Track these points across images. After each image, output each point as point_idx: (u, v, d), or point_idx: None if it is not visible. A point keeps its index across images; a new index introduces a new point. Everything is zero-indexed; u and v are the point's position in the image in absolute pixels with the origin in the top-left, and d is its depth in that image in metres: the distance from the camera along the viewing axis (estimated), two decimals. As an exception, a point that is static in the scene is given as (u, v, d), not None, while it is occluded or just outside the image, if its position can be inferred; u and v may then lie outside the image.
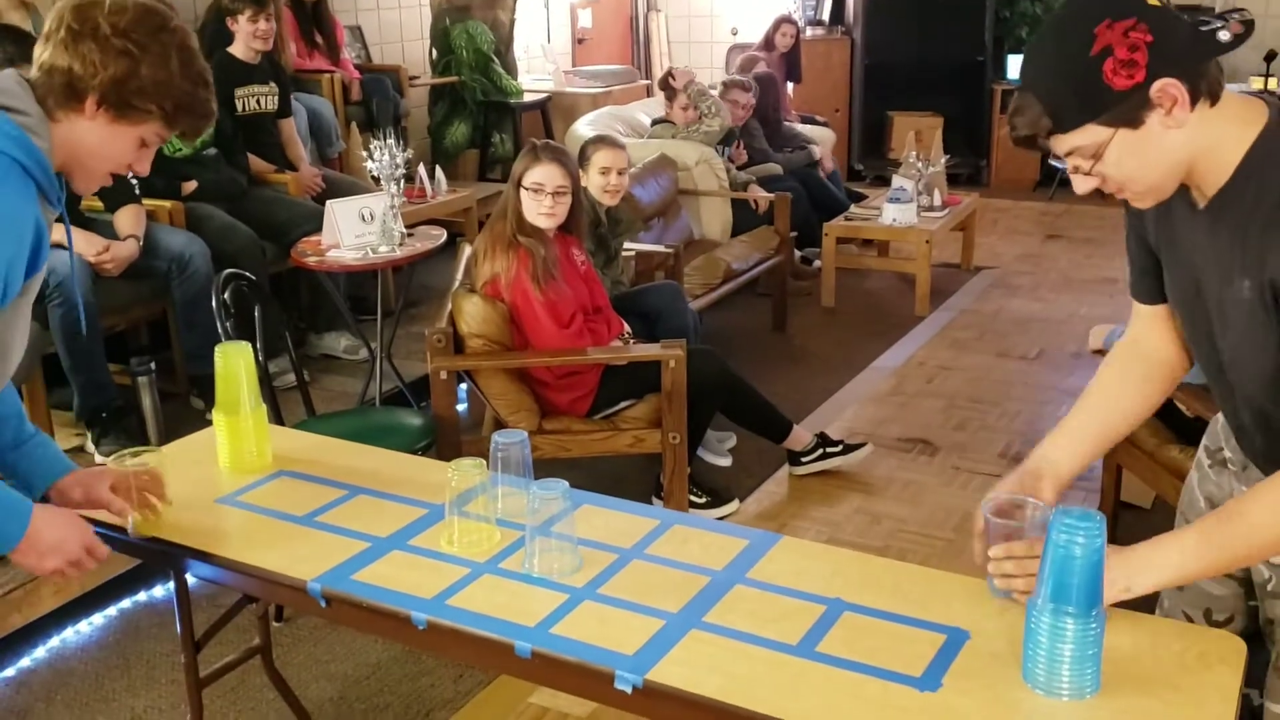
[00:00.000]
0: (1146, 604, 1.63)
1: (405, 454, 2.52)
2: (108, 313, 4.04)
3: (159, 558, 2.12)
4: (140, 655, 3.07)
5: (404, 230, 4.35)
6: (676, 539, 1.96)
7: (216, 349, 2.22)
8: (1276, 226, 1.46)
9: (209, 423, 2.30)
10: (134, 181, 3.99)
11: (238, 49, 4.89)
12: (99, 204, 4.14)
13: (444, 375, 3.44)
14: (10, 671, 3.01)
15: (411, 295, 4.97)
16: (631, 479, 3.97)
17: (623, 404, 3.64)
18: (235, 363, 2.19)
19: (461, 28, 6.96)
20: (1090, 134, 1.48)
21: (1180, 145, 1.48)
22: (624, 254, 4.43)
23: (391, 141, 4.53)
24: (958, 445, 4.30)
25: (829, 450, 4.04)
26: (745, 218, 6.02)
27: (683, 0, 9.46)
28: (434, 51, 7.14)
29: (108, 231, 4.05)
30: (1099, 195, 1.61)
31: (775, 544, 1.92)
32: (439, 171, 5.46)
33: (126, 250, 4.01)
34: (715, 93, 6.55)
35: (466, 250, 3.79)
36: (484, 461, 1.95)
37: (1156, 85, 1.43)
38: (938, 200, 6.16)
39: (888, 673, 1.56)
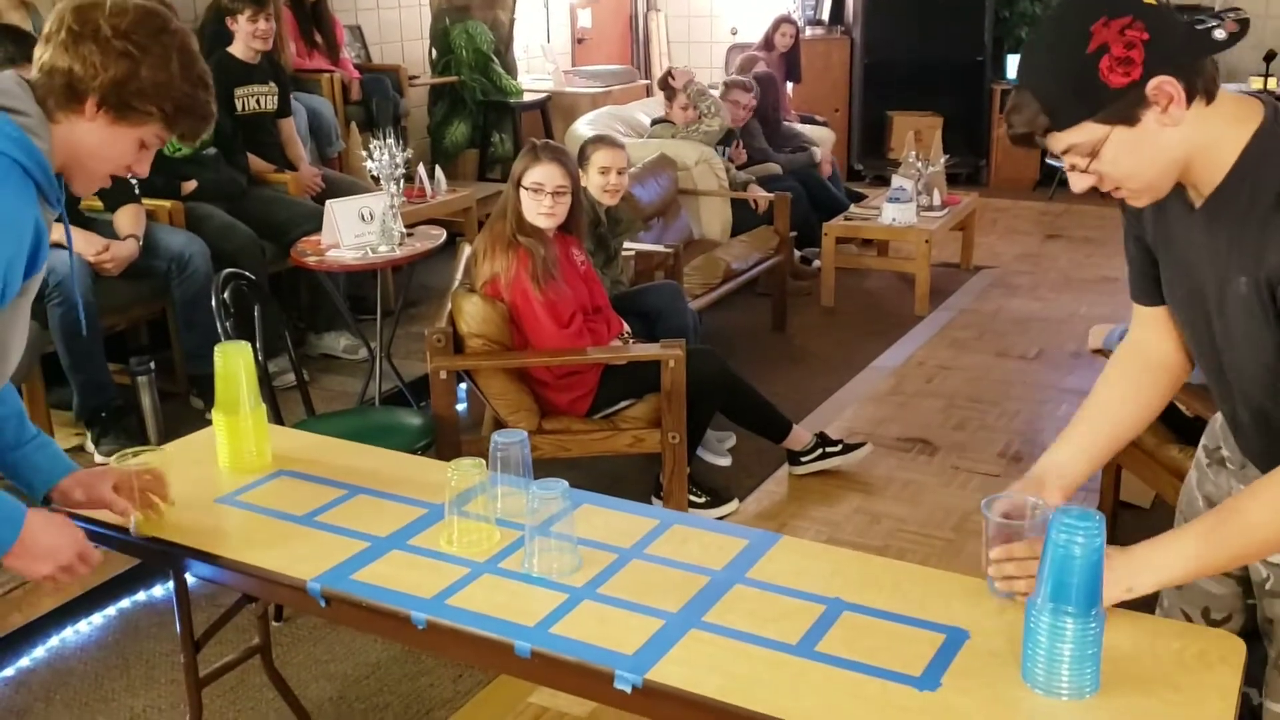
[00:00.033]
0: (1146, 603, 1.63)
1: (405, 454, 2.52)
2: (107, 312, 4.04)
3: (158, 557, 2.12)
4: (140, 655, 3.08)
5: (403, 230, 4.36)
6: (676, 539, 1.96)
7: (216, 349, 2.22)
8: (1272, 224, 1.46)
9: (208, 422, 2.30)
10: (133, 181, 3.99)
11: (237, 49, 4.89)
12: (99, 204, 4.15)
13: (443, 375, 3.44)
14: (10, 671, 3.01)
15: (411, 295, 4.98)
16: (631, 479, 3.98)
17: (622, 404, 3.64)
18: (235, 362, 2.19)
19: (461, 27, 6.96)
20: (1087, 131, 1.48)
21: (1176, 143, 1.49)
22: (624, 254, 4.43)
23: (391, 141, 4.53)
24: (957, 445, 4.31)
25: (828, 450, 4.04)
26: (745, 217, 6.03)
27: (682, 0, 9.46)
28: (434, 51, 7.14)
29: (107, 231, 4.06)
30: (1098, 195, 1.61)
31: (775, 544, 1.93)
32: (439, 171, 5.46)
33: (126, 250, 4.01)
34: (715, 93, 6.55)
35: (466, 250, 3.79)
36: (483, 461, 1.95)
37: (1152, 83, 1.44)
38: (937, 200, 6.17)
39: (887, 672, 1.56)
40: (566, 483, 1.85)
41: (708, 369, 3.65)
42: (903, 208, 5.90)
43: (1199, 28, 1.46)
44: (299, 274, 4.90)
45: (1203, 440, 1.88)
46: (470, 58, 6.96)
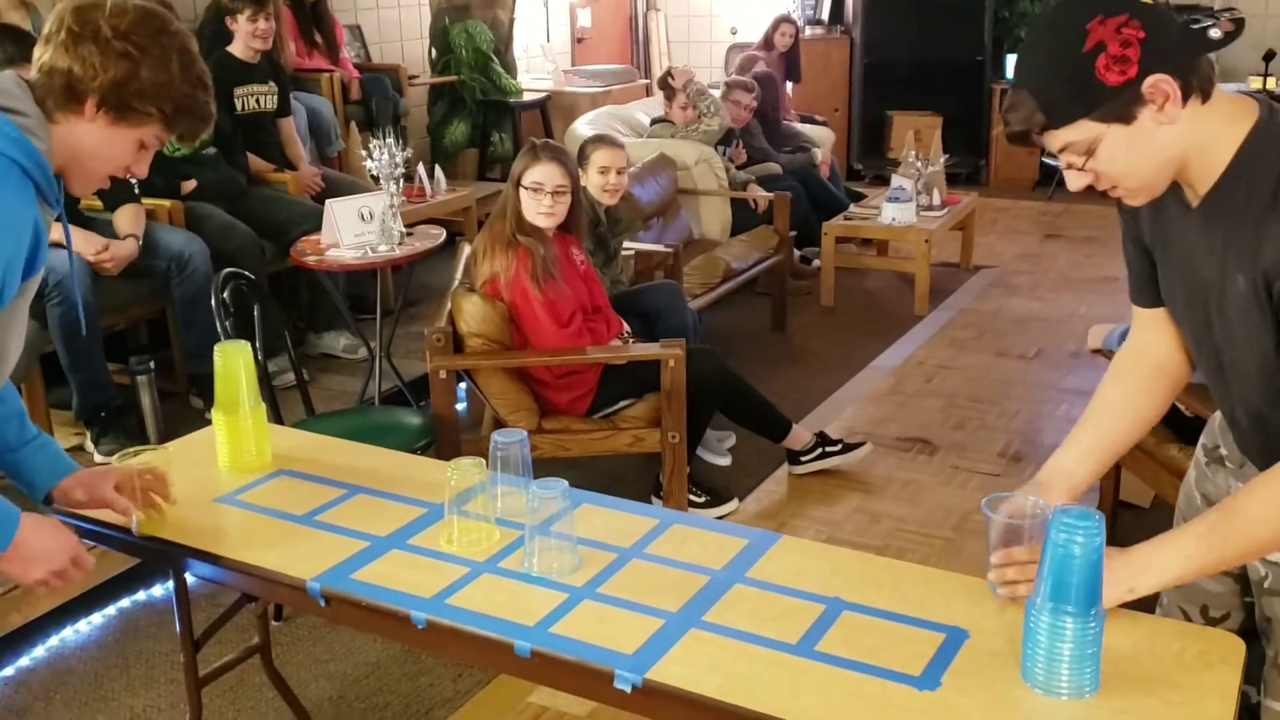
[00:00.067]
0: (1145, 603, 1.63)
1: (404, 453, 2.52)
2: (107, 312, 4.04)
3: (158, 557, 2.13)
4: (139, 654, 3.08)
5: (403, 229, 4.36)
6: (676, 538, 1.96)
7: (216, 348, 2.22)
8: (1268, 221, 1.47)
9: (208, 422, 2.30)
10: (133, 181, 3.99)
11: (237, 48, 4.88)
12: (98, 203, 4.15)
13: (443, 374, 3.44)
14: (9, 670, 3.01)
15: (411, 294, 4.98)
16: (631, 478, 3.98)
17: (622, 403, 3.64)
18: (234, 362, 2.20)
19: (461, 27, 6.96)
20: (1083, 129, 1.49)
21: (1172, 142, 1.49)
22: (623, 253, 4.43)
23: (391, 141, 4.53)
24: (957, 444, 4.31)
25: (828, 449, 4.04)
26: (744, 217, 6.03)
27: (682, 0, 9.46)
28: (433, 51, 7.14)
29: (107, 230, 4.05)
30: (1097, 194, 1.61)
31: (774, 543, 1.93)
32: (438, 171, 5.46)
33: (126, 249, 4.01)
34: (716, 93, 6.55)
35: (466, 249, 3.79)
36: (483, 461, 1.95)
37: (1149, 81, 1.44)
38: (937, 199, 6.16)
39: (887, 672, 1.56)
40: (566, 482, 1.85)
41: (707, 368, 3.65)
42: (902, 207, 5.90)
43: (1194, 27, 1.47)
44: (299, 273, 4.90)
45: (1201, 439, 1.88)
46: (470, 57, 6.96)
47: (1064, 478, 1.79)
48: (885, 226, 5.97)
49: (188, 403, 4.38)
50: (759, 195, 6.01)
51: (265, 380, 3.03)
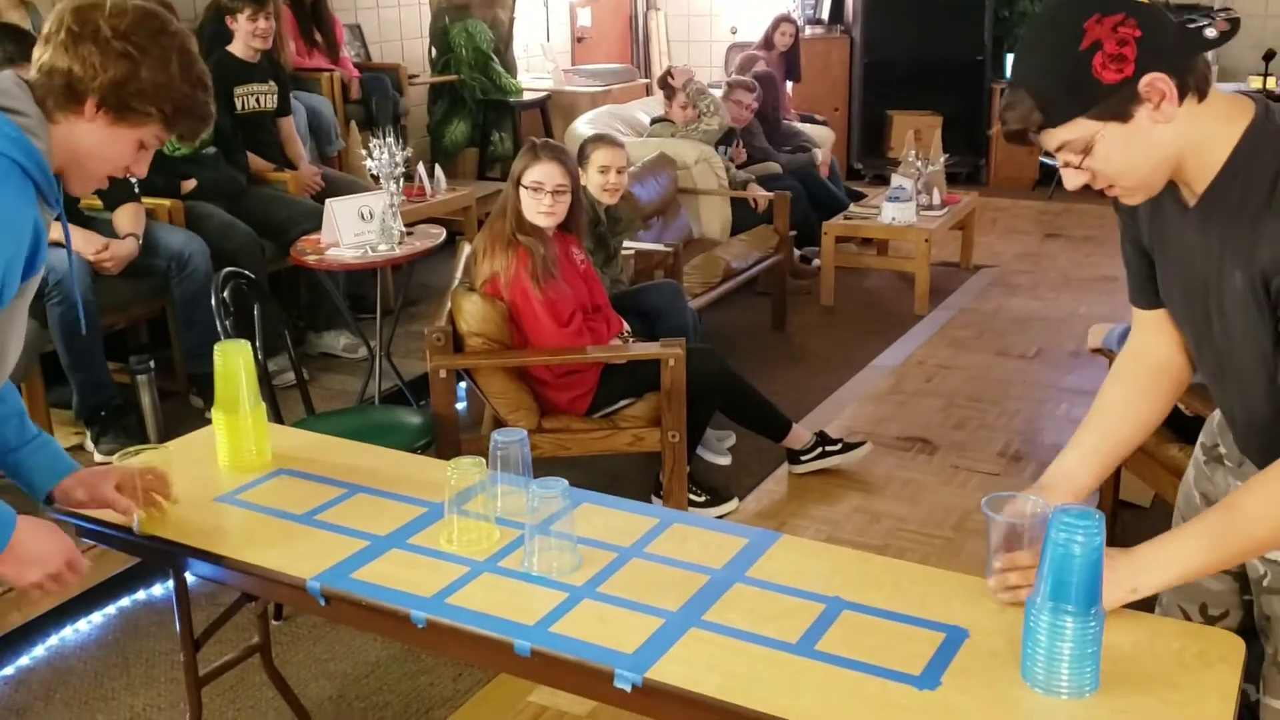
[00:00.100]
0: (1145, 602, 1.63)
1: (404, 452, 2.52)
2: (107, 311, 4.04)
3: (158, 556, 2.13)
4: (139, 654, 3.08)
5: (403, 229, 4.36)
6: (676, 537, 1.96)
7: (216, 347, 2.22)
8: (1265, 219, 1.47)
9: (208, 421, 2.30)
10: (133, 180, 3.99)
11: (237, 48, 4.88)
12: (98, 202, 4.15)
13: (443, 374, 3.44)
14: (9, 670, 3.01)
15: (411, 294, 4.98)
16: (631, 478, 3.98)
17: (622, 403, 3.64)
18: (234, 361, 2.20)
19: (461, 26, 6.96)
20: (1080, 128, 1.49)
21: (1169, 140, 1.50)
22: (623, 253, 4.43)
23: (391, 140, 4.53)
24: (957, 444, 4.31)
25: (828, 449, 4.04)
26: (744, 216, 6.02)
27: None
28: (433, 50, 7.14)
29: (107, 230, 4.05)
30: (1097, 193, 1.62)
31: (774, 542, 1.93)
32: (438, 170, 5.46)
33: (126, 249, 4.01)
34: (717, 92, 6.55)
35: (466, 249, 3.79)
36: (483, 460, 1.95)
37: (1145, 79, 1.45)
38: (937, 199, 6.17)
39: (887, 671, 1.56)
40: (566, 481, 1.85)
41: (707, 368, 3.65)
42: (902, 207, 5.90)
43: (1190, 26, 1.48)
44: (299, 273, 4.90)
45: (1200, 438, 1.89)
46: (470, 56, 6.96)
47: (1067, 481, 1.79)
48: (885, 226, 5.97)
49: (188, 402, 4.38)
50: (759, 195, 6.01)
51: (265, 379, 3.03)
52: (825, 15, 9.17)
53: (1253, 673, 1.70)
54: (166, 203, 4.44)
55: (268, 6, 4.83)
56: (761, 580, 1.81)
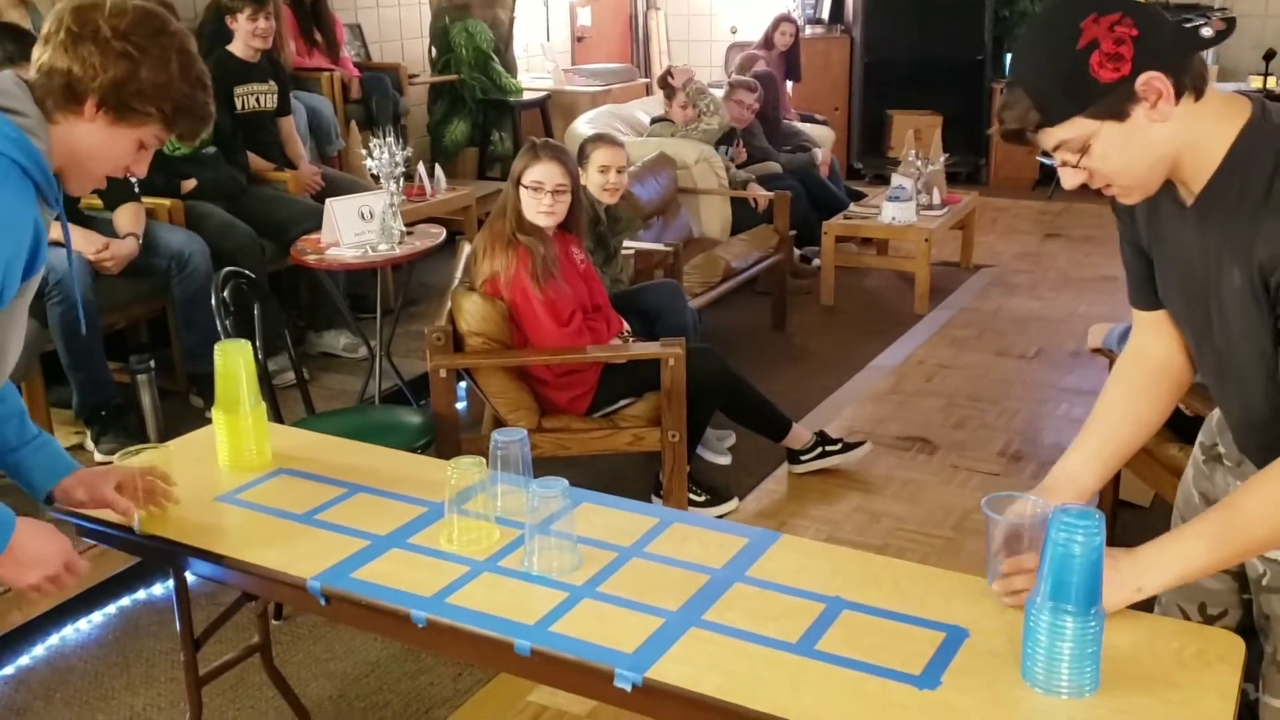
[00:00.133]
0: (1145, 601, 1.63)
1: (405, 452, 2.52)
2: (107, 311, 4.04)
3: (158, 556, 2.13)
4: (139, 653, 3.08)
5: (403, 228, 4.36)
6: (676, 537, 1.96)
7: (216, 347, 2.22)
8: (1263, 217, 1.48)
9: (208, 421, 2.30)
10: (133, 179, 3.99)
11: (237, 47, 4.88)
12: (98, 202, 4.15)
13: (443, 373, 3.44)
14: (9, 669, 3.01)
15: (411, 293, 4.98)
16: (631, 477, 3.98)
17: (622, 402, 3.64)
18: (235, 361, 2.20)
19: (461, 26, 6.96)
20: (1077, 127, 1.50)
21: (1166, 139, 1.50)
22: (623, 252, 4.43)
23: (391, 140, 4.53)
24: (957, 444, 4.31)
25: (828, 449, 4.04)
26: (745, 216, 6.03)
27: (682, -1, 9.48)
28: (433, 50, 7.14)
29: (107, 229, 4.05)
30: (1096, 193, 1.62)
31: (774, 542, 1.93)
32: (438, 170, 5.46)
33: (126, 248, 4.01)
34: (718, 92, 6.54)
35: (466, 248, 3.79)
36: (483, 460, 1.95)
37: (1142, 78, 1.46)
38: (937, 199, 6.17)
39: (887, 671, 1.56)
40: (566, 481, 1.85)
41: (707, 367, 3.65)
42: (902, 206, 5.90)
43: (1187, 25, 1.48)
44: (299, 272, 4.90)
45: (1199, 438, 1.89)
46: (470, 56, 6.96)
47: (1070, 482, 1.79)
48: (885, 226, 5.97)
49: (188, 402, 4.38)
50: (759, 194, 6.01)
51: (265, 379, 3.03)
52: (825, 15, 9.17)
53: (1252, 672, 1.70)
54: (166, 202, 4.44)
55: (268, 6, 4.83)
56: (761, 580, 1.81)
